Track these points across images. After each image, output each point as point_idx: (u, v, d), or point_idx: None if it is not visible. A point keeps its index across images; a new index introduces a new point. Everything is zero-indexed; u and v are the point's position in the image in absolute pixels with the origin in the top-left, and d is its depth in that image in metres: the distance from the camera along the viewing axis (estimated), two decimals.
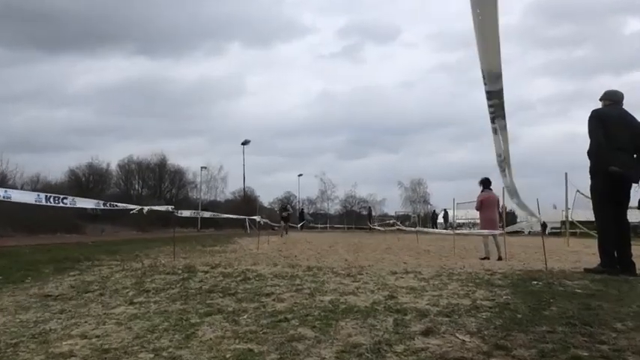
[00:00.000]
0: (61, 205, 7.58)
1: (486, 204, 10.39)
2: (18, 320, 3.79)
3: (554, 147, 72.45)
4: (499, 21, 1.64)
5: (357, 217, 52.80)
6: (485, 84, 2.00)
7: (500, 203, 10.60)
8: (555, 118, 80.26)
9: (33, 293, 4.99)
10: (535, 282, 5.35)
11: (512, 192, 4.42)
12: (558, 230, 29.04)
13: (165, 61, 74.84)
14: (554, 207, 31.91)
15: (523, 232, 33.73)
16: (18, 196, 7.51)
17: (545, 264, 6.99)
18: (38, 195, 7.45)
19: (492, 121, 2.39)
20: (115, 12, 64.03)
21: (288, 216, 24.46)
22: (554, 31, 79.10)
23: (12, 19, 51.38)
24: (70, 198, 7.91)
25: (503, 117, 2.35)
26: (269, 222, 22.38)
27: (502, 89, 2.02)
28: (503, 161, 3.30)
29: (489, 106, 2.18)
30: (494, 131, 2.52)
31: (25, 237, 18.49)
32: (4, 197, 6.61)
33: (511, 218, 30.09)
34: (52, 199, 7.31)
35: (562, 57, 79.43)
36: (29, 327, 3.56)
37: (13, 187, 22.16)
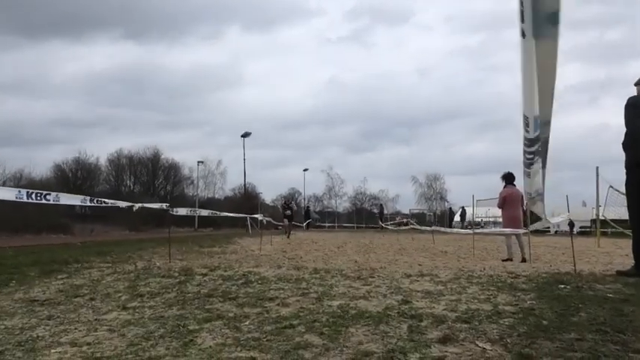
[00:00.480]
0: (44, 202, 7.65)
1: (509, 200, 10.36)
2: (3, 327, 3.83)
3: (583, 138, 72.01)
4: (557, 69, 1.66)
5: (367, 216, 52.88)
6: (527, 131, 1.99)
7: (525, 200, 10.57)
8: (584, 107, 79.61)
9: (18, 298, 5.05)
10: (562, 286, 5.35)
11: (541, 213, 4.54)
12: (588, 229, 28.93)
13: (156, 46, 74.90)
14: (584, 204, 31.76)
15: (549, 231, 33.67)
16: None
17: (574, 266, 6.98)
18: (19, 191, 7.52)
19: (528, 166, 2.40)
20: None
21: (292, 215, 23.97)
22: (584, 11, 78.35)
23: None
24: (53, 194, 7.98)
25: (544, 163, 2.37)
26: (272, 221, 22.44)
27: (548, 137, 2.02)
28: (535, 198, 3.34)
29: (529, 153, 2.19)
30: (528, 175, 2.55)
31: (7, 237, 18.62)
32: None
33: (536, 216, 29.99)
34: (33, 196, 7.38)
35: (592, 40, 78.69)
36: (15, 334, 3.61)
37: None
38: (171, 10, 73.60)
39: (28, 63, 63.58)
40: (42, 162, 68.63)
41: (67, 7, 63.63)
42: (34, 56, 64.82)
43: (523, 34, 1.61)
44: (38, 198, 7.51)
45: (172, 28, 76.83)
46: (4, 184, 24.63)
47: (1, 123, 54.16)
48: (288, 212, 22.81)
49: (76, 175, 40.42)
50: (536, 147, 2.13)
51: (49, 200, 7.72)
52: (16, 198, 7.25)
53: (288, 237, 20.14)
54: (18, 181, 27.98)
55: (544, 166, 2.46)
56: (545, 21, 1.60)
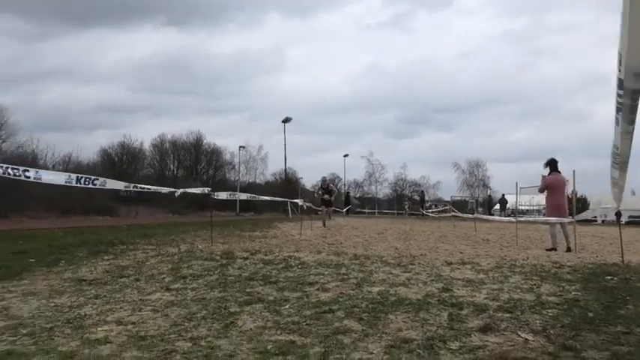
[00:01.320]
0: (90, 186, 7.91)
1: (553, 188, 10.06)
2: (52, 304, 3.99)
3: None
4: None
5: (408, 202, 52.55)
6: (619, 70, 1.95)
7: (570, 187, 10.29)
8: None
9: (67, 277, 5.24)
10: (609, 277, 5.21)
11: (618, 187, 4.38)
12: (637, 219, 28.01)
13: (198, 33, 75.46)
14: (633, 193, 30.76)
15: (596, 220, 32.83)
16: (48, 177, 7.88)
17: (622, 257, 6.78)
18: (69, 176, 7.79)
19: (617, 111, 2.34)
20: None
21: (330, 200, 19.37)
22: None
23: None
24: (100, 179, 8.21)
25: (631, 122, 2.30)
26: (312, 206, 22.06)
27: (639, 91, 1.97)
28: (618, 157, 3.25)
29: (618, 95, 2.13)
30: (617, 122, 2.48)
31: (57, 219, 19.29)
32: (34, 178, 6.97)
33: (582, 205, 29.17)
34: (82, 181, 7.62)
35: None
36: (64, 312, 3.75)
37: (44, 167, 23.02)
38: None
39: (74, 50, 65.10)
40: (88, 146, 70.46)
41: None
42: (81, 44, 66.39)
43: None
44: (86, 183, 7.75)
45: (213, 15, 77.23)
46: (53, 168, 25.44)
47: (49, 109, 55.88)
48: (326, 197, 18.58)
49: (122, 160, 41.34)
50: (625, 99, 2.06)
51: (95, 185, 7.97)
52: (66, 182, 7.49)
53: (323, 225, 16.99)
54: (66, 165, 28.83)
55: (632, 123, 2.40)
56: None
